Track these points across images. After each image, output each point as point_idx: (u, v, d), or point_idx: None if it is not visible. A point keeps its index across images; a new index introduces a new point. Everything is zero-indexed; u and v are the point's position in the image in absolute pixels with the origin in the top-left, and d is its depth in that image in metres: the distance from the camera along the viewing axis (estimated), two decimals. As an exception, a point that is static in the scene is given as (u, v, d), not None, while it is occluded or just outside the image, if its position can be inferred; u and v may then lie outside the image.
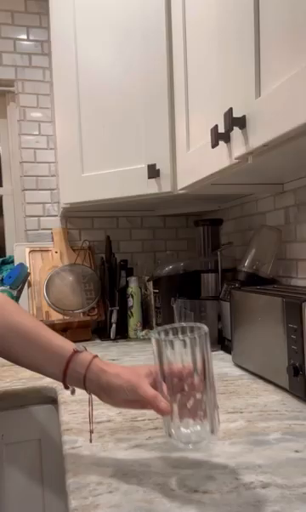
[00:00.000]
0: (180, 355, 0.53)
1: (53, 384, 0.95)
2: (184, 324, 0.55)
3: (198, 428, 0.53)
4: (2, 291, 1.42)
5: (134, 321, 1.52)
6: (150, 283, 1.47)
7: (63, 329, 1.49)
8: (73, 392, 0.62)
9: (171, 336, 0.54)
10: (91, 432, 0.66)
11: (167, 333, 0.55)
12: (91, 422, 0.65)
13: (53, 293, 1.53)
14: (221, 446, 0.62)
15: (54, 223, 1.72)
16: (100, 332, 1.58)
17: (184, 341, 0.52)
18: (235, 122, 0.75)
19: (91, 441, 0.64)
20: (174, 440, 0.54)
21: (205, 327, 0.53)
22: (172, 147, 1.16)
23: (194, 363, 0.53)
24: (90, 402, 0.61)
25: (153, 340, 0.54)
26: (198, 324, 0.54)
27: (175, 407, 0.53)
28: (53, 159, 1.70)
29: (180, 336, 0.54)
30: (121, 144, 1.27)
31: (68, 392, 0.62)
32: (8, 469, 0.98)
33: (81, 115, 1.35)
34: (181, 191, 1.15)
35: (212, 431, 0.53)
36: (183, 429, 0.53)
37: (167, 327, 0.55)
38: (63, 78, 1.38)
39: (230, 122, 0.76)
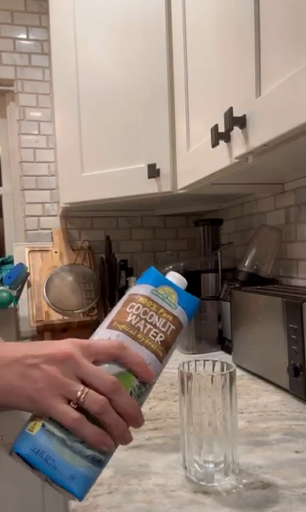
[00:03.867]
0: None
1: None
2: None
3: (212, 467, 0.53)
4: (2, 291, 1.42)
5: (134, 321, 1.51)
6: (150, 283, 1.47)
7: (63, 329, 1.49)
8: None
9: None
10: None
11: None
12: None
13: (53, 293, 1.53)
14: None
15: (54, 223, 1.71)
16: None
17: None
18: (236, 121, 0.75)
19: None
20: (188, 473, 0.54)
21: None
22: (172, 147, 1.16)
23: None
24: None
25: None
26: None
27: (193, 444, 0.53)
28: (52, 159, 1.70)
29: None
30: (121, 143, 1.27)
31: None
32: (7, 469, 0.98)
33: (80, 114, 1.34)
34: (181, 191, 1.14)
35: (227, 474, 0.53)
36: (197, 467, 0.53)
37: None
38: (63, 78, 1.37)
39: (230, 122, 0.76)
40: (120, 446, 0.60)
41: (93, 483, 0.40)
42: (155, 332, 0.44)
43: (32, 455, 0.38)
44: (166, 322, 0.45)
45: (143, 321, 0.44)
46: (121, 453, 0.61)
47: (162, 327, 0.45)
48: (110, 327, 0.45)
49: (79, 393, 0.39)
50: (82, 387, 0.40)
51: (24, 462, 0.39)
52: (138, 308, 0.45)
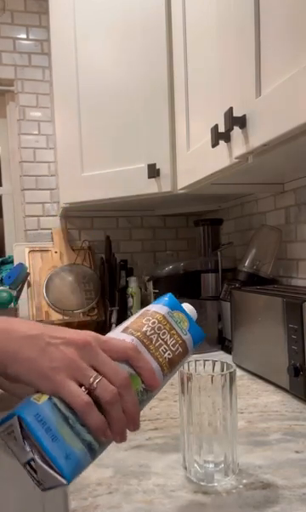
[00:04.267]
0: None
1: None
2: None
3: (212, 467, 0.52)
4: (2, 291, 1.42)
5: (134, 321, 1.51)
6: (150, 283, 1.47)
7: (63, 329, 1.49)
8: None
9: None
10: None
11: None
12: None
13: (53, 293, 1.53)
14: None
15: (54, 223, 1.71)
16: (100, 332, 1.57)
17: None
18: (236, 121, 0.75)
19: None
20: (188, 473, 0.54)
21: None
22: (172, 147, 1.16)
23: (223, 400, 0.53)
24: None
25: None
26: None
27: (193, 444, 0.53)
28: (52, 159, 1.70)
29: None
30: (121, 143, 1.27)
31: None
32: (7, 469, 0.98)
33: (80, 114, 1.34)
34: (181, 191, 1.14)
35: (227, 474, 0.53)
36: (197, 467, 0.53)
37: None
38: (62, 77, 1.37)
39: (231, 122, 0.76)
40: (120, 447, 0.60)
41: (82, 471, 0.39)
42: (165, 348, 0.46)
43: (34, 422, 0.37)
44: (175, 343, 0.47)
45: (156, 335, 0.46)
46: (121, 453, 0.61)
47: (172, 346, 0.47)
48: (125, 331, 0.46)
49: (92, 379, 0.40)
50: (95, 373, 0.40)
51: (15, 433, 0.37)
52: (154, 322, 0.47)
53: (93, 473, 0.56)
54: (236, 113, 0.76)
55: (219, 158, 0.86)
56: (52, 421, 0.38)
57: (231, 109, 0.77)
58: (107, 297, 1.53)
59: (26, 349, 0.40)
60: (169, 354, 0.46)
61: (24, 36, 1.68)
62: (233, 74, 0.80)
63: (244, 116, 0.74)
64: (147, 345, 0.45)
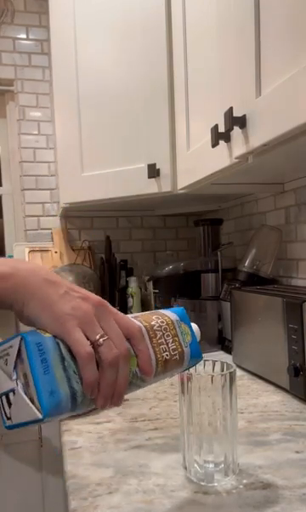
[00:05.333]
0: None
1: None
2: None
3: (212, 467, 0.53)
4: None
5: (134, 321, 1.51)
6: (150, 283, 1.47)
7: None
8: None
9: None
10: None
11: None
12: None
13: (53, 293, 1.53)
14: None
15: (54, 223, 1.71)
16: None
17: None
18: (236, 121, 0.75)
19: None
20: (188, 473, 0.54)
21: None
22: (173, 147, 1.16)
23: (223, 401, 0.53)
24: None
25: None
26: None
27: (193, 444, 0.53)
28: (52, 159, 1.70)
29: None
30: (121, 143, 1.27)
31: None
32: (7, 469, 0.98)
33: (80, 114, 1.34)
34: (181, 191, 1.14)
35: (227, 474, 0.53)
36: (197, 467, 0.53)
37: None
38: (62, 77, 1.37)
39: (231, 122, 0.76)
40: (119, 447, 0.60)
41: (58, 414, 0.38)
42: (165, 348, 0.47)
43: (34, 349, 0.37)
44: (175, 349, 0.48)
45: (161, 333, 0.47)
46: (121, 453, 0.61)
47: (172, 350, 0.47)
48: (135, 318, 0.47)
49: (99, 336, 0.40)
50: (102, 332, 0.41)
51: (10, 355, 0.37)
52: (163, 322, 0.48)
53: (93, 473, 0.56)
54: (236, 113, 0.76)
55: (219, 158, 0.86)
56: (50, 355, 0.38)
57: (231, 109, 0.77)
58: (107, 297, 1.53)
59: (46, 291, 0.41)
60: (167, 355, 0.46)
61: (24, 36, 1.68)
62: (233, 74, 0.80)
63: (244, 116, 0.74)
64: (151, 337, 0.46)
